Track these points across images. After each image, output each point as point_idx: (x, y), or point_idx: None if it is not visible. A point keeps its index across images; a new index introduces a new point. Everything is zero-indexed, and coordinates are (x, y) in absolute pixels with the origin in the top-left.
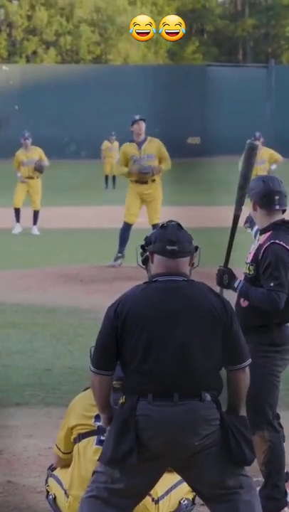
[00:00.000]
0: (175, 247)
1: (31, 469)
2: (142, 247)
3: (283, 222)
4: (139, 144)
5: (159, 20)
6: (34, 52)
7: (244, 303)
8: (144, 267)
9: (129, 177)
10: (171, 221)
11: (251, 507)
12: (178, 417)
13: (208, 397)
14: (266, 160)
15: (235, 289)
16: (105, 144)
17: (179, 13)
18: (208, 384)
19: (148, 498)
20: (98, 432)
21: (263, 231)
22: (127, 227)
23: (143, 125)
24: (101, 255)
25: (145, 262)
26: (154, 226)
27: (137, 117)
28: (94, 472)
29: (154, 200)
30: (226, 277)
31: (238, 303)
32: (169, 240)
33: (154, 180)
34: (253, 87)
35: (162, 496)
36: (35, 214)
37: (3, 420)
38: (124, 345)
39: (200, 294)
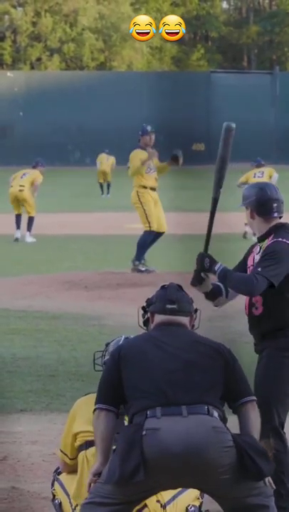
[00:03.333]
0: (175, 306)
1: (36, 475)
2: (143, 308)
3: (281, 225)
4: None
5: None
6: (38, 59)
7: (257, 311)
8: (144, 328)
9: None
10: (172, 283)
11: None
12: (188, 430)
13: (215, 413)
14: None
15: (215, 272)
16: (102, 157)
17: (183, 20)
18: (212, 399)
19: (156, 504)
20: None
21: (262, 238)
22: (158, 236)
23: (152, 137)
24: (105, 262)
25: (146, 323)
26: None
27: (152, 129)
28: (90, 483)
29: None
30: (207, 261)
31: (250, 311)
32: (168, 300)
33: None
34: (257, 93)
35: (169, 502)
36: (30, 220)
37: (8, 426)
38: (128, 373)
39: (200, 336)
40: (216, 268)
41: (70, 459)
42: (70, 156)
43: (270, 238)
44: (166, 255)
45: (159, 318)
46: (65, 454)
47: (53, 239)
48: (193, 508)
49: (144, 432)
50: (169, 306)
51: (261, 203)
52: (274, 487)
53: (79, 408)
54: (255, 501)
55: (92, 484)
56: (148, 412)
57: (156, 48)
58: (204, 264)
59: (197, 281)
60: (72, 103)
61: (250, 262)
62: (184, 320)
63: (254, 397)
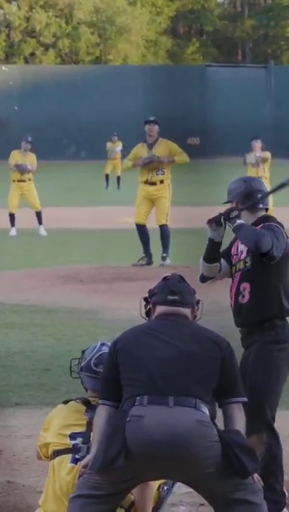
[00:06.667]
0: (176, 297)
1: (31, 469)
2: (145, 299)
3: (268, 216)
4: (150, 146)
5: (158, 20)
6: (32, 54)
7: (243, 299)
8: (146, 319)
9: (136, 171)
10: (174, 274)
11: (260, 509)
12: (171, 420)
13: (203, 407)
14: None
15: (234, 223)
16: (108, 145)
17: (178, 14)
18: (203, 392)
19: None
20: (73, 450)
21: (238, 215)
22: (139, 228)
23: (155, 127)
24: (100, 256)
25: (148, 314)
26: (162, 227)
27: (151, 118)
28: (80, 475)
29: (161, 199)
30: (235, 213)
31: (236, 301)
32: (170, 291)
33: (162, 182)
34: (252, 87)
35: None
36: (38, 215)
37: (3, 420)
38: (123, 364)
39: (201, 327)
40: (237, 221)
41: (44, 456)
42: (65, 150)
43: (262, 225)
44: (160, 249)
45: (160, 309)
46: (41, 451)
47: (48, 233)
48: (166, 488)
49: (128, 419)
50: (170, 297)
51: (246, 195)
52: (262, 483)
53: (53, 418)
54: (240, 496)
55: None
56: (136, 400)
57: (151, 41)
58: (231, 213)
59: (215, 222)
60: (68, 97)
61: (234, 251)
62: (186, 311)
63: (245, 399)
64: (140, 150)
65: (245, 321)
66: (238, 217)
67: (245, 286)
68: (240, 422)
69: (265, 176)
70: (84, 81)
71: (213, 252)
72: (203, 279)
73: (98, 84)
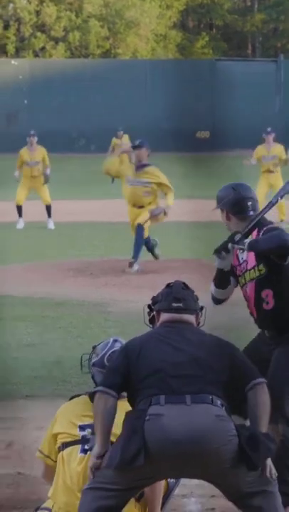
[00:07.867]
0: (180, 304)
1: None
2: (149, 306)
3: (261, 222)
4: (137, 168)
5: (168, 14)
6: (42, 48)
7: (268, 306)
8: (150, 326)
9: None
10: (177, 281)
11: (275, 499)
12: (191, 418)
13: (218, 402)
14: (277, 156)
15: (244, 244)
16: (114, 141)
17: (188, 8)
18: (216, 391)
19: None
20: (82, 441)
21: (244, 236)
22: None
23: (141, 152)
24: (110, 249)
25: (152, 321)
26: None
27: (136, 143)
28: (92, 466)
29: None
30: (238, 236)
31: (260, 308)
32: (174, 298)
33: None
34: (262, 81)
35: None
36: (48, 208)
37: (14, 412)
38: (134, 366)
39: (206, 333)
40: (246, 240)
41: (52, 460)
42: (74, 143)
43: (256, 232)
44: (171, 242)
45: (164, 316)
46: (45, 455)
47: (58, 226)
48: (172, 480)
49: (147, 417)
50: (174, 305)
51: (235, 203)
52: (276, 473)
53: (62, 411)
54: (258, 488)
55: (93, 469)
56: (152, 399)
57: (160, 35)
58: (234, 237)
59: (223, 249)
60: (77, 90)
61: (235, 262)
62: (190, 318)
63: (262, 379)
64: (128, 169)
65: (275, 324)
66: (244, 237)
67: (268, 293)
68: (263, 405)
69: (277, 170)
70: (93, 75)
71: (225, 279)
72: (218, 301)
73: (107, 78)
